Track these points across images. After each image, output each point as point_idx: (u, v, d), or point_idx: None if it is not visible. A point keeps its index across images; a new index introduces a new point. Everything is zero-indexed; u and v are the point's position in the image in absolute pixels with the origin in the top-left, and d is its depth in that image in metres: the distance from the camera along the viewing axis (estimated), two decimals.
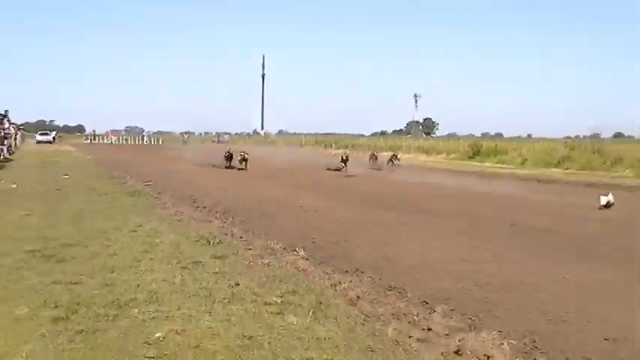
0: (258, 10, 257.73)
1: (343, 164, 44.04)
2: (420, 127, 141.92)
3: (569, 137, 74.93)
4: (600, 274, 11.96)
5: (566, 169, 48.93)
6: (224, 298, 8.89)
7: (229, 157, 45.61)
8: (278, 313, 8.24)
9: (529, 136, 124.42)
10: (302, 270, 11.23)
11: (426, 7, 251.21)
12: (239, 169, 43.15)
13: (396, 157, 48.76)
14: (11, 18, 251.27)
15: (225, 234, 14.66)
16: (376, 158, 48.25)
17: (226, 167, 44.66)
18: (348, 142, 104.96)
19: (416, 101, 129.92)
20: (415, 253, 13.49)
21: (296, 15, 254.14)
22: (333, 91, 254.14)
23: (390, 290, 9.98)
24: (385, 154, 52.55)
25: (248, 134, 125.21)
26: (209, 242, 13.41)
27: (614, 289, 10.89)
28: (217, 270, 10.79)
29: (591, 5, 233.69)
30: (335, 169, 42.62)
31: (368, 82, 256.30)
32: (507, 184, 34.73)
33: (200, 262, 11.37)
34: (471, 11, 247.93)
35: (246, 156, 44.04)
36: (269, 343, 7.07)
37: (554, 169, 47.88)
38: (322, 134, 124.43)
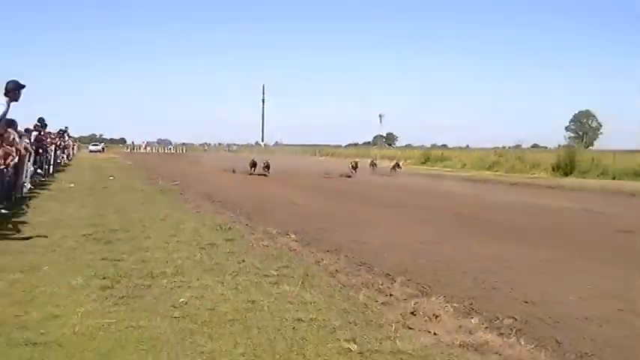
0: (260, 47, 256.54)
1: (353, 170, 41.26)
2: (384, 140, 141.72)
3: (497, 147, 75.48)
4: (523, 253, 12.02)
5: (496, 171, 49.41)
6: (233, 272, 8.87)
7: (254, 165, 41.71)
8: (275, 283, 8.24)
9: (467, 146, 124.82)
10: (293, 250, 11.20)
11: (387, 40, 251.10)
12: (261, 174, 39.21)
13: (399, 164, 46.88)
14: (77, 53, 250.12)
15: (234, 222, 14.64)
16: (375, 165, 46.93)
17: (250, 174, 40.22)
18: (329, 151, 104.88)
19: (380, 119, 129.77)
20: (381, 237, 13.50)
21: (289, 48, 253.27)
22: (317, 109, 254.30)
23: (361, 265, 9.98)
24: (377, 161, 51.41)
25: (251, 145, 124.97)
26: (221, 228, 13.39)
27: (534, 263, 10.93)
28: (228, 250, 10.78)
29: (518, 38, 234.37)
30: (347, 176, 40.11)
31: (343, 102, 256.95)
32: (451, 183, 34.93)
33: (214, 243, 11.35)
34: (423, 44, 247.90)
35: (268, 164, 40.35)
36: (268, 306, 7.07)
37: (486, 172, 48.25)
38: (309, 145, 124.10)
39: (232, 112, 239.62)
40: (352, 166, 41.85)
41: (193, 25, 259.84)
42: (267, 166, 40.09)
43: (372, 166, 45.59)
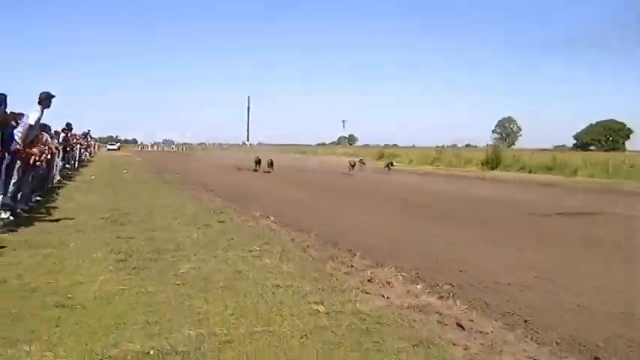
0: (243, 60, 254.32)
1: (352, 168, 36.41)
2: (346, 140, 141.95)
3: (438, 146, 75.85)
4: (458, 232, 12.10)
5: (437, 166, 49.61)
6: (224, 248, 8.86)
7: (258, 162, 35.97)
8: (257, 257, 8.23)
9: (413, 145, 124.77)
10: (272, 230, 11.20)
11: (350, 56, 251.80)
12: (265, 171, 34.07)
13: (392, 163, 41.26)
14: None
15: (225, 207, 14.59)
16: (363, 163, 41.88)
17: (254, 170, 35.17)
18: (302, 149, 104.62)
19: (343, 124, 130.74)
20: (345, 220, 13.54)
21: (267, 63, 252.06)
22: (290, 112, 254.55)
23: (328, 242, 9.97)
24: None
25: (239, 144, 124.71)
26: (215, 212, 13.35)
27: (467, 240, 11.03)
28: (220, 230, 10.77)
29: (456, 59, 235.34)
30: (345, 173, 35.26)
31: (312, 107, 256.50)
32: (400, 175, 34.95)
33: (209, 224, 11.32)
34: (378, 61, 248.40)
35: (272, 162, 34.99)
36: (252, 275, 7.07)
37: (428, 166, 48.42)
38: (284, 145, 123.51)
39: (220, 115, 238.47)
40: (351, 165, 37.09)
41: (186, 42, 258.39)
42: (271, 164, 34.89)
43: (361, 164, 43.18)
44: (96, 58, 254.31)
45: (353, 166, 36.72)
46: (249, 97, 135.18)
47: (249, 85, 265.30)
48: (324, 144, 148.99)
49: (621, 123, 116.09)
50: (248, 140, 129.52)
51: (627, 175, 34.56)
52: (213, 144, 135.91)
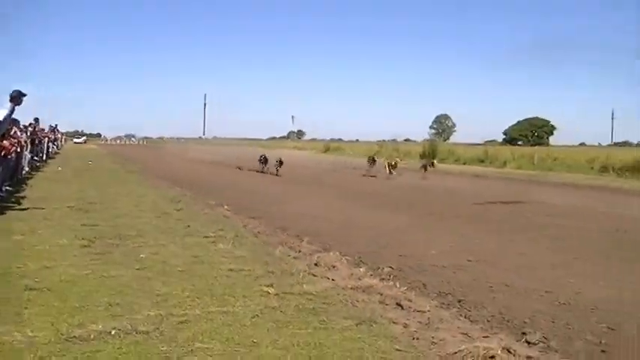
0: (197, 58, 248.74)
1: (391, 170, 27.18)
2: (295, 134, 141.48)
3: (379, 140, 75.89)
4: (399, 218, 12.28)
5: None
6: (181, 234, 8.81)
7: (264, 161, 28.40)
8: (212, 242, 8.19)
9: (357, 140, 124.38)
10: (226, 217, 11.18)
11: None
12: (272, 173, 26.69)
13: (433, 163, 30.14)
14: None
15: (183, 196, 14.48)
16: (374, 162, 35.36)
17: (261, 171, 27.88)
18: (254, 143, 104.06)
19: (292, 120, 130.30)
20: (295, 207, 13.61)
21: (220, 61, 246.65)
22: (241, 109, 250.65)
23: (278, 229, 9.98)
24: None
25: (195, 138, 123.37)
26: (173, 201, 13.24)
27: (407, 227, 11.21)
28: (178, 217, 10.67)
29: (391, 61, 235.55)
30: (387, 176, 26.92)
31: (263, 103, 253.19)
32: (346, 168, 35.04)
33: (168, 212, 11.23)
34: (325, 59, 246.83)
35: (282, 161, 26.72)
36: (207, 259, 7.04)
37: None
38: (237, 138, 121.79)
39: (176, 109, 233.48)
40: (391, 166, 27.79)
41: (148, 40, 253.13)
42: (281, 164, 26.79)
43: (372, 162, 36.35)
44: (65, 60, 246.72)
45: (394, 167, 27.77)
46: (205, 94, 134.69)
47: (203, 81, 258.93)
48: (274, 138, 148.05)
49: (546, 120, 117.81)
50: (204, 134, 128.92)
51: (550, 167, 35.47)
52: (171, 138, 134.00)
